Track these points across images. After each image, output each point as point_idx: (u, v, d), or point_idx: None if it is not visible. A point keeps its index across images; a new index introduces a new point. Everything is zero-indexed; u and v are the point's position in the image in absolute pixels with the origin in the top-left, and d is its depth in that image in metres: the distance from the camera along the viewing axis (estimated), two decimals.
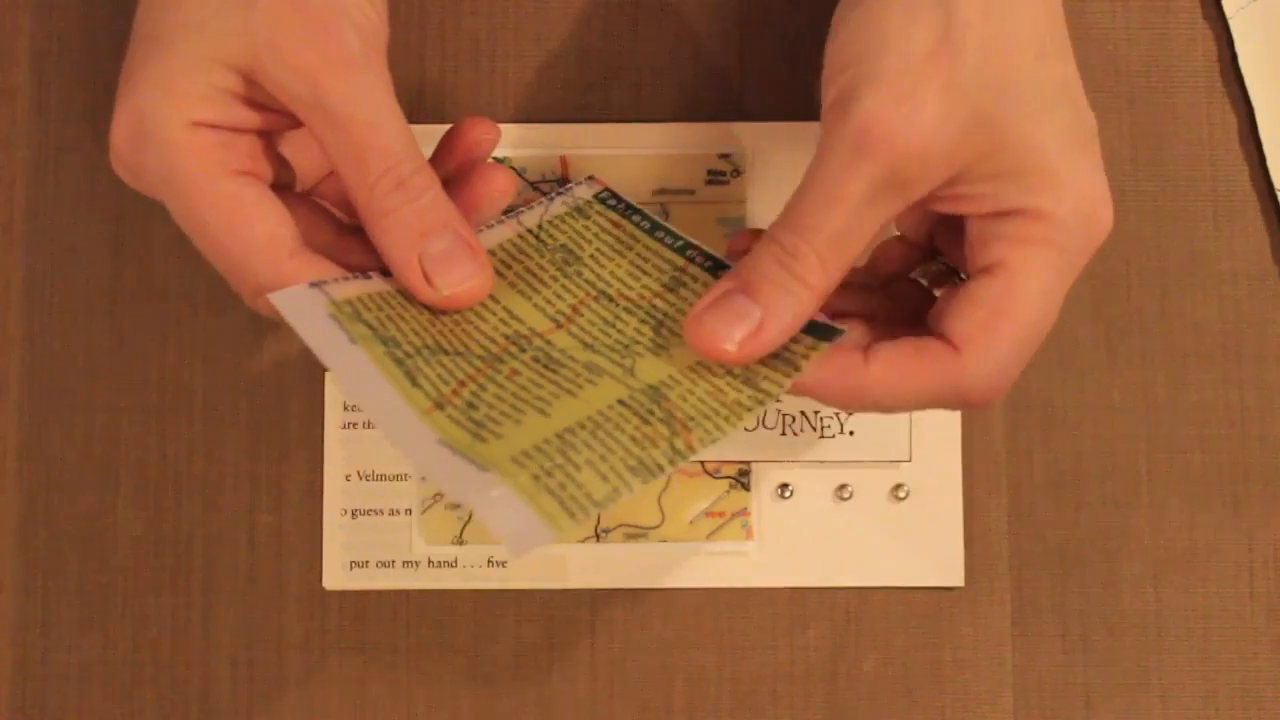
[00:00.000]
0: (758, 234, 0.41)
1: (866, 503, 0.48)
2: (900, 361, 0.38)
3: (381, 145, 0.38)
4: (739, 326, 0.38)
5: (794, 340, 0.39)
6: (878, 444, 0.47)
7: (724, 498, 0.48)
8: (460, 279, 0.39)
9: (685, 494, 0.47)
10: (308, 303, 0.38)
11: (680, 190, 0.48)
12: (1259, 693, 0.47)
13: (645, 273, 0.42)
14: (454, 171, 0.42)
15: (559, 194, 0.44)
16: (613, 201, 0.44)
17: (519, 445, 0.37)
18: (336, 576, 0.48)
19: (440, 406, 0.37)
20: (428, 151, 0.41)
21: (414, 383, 0.37)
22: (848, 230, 0.37)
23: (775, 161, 0.48)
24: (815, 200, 0.37)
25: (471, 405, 0.38)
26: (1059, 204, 0.37)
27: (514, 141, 0.48)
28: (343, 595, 0.48)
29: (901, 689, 0.47)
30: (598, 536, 0.47)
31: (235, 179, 0.38)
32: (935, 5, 0.37)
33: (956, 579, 0.47)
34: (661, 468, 0.37)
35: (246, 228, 0.38)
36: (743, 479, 0.48)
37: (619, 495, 0.36)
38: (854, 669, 0.48)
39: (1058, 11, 0.39)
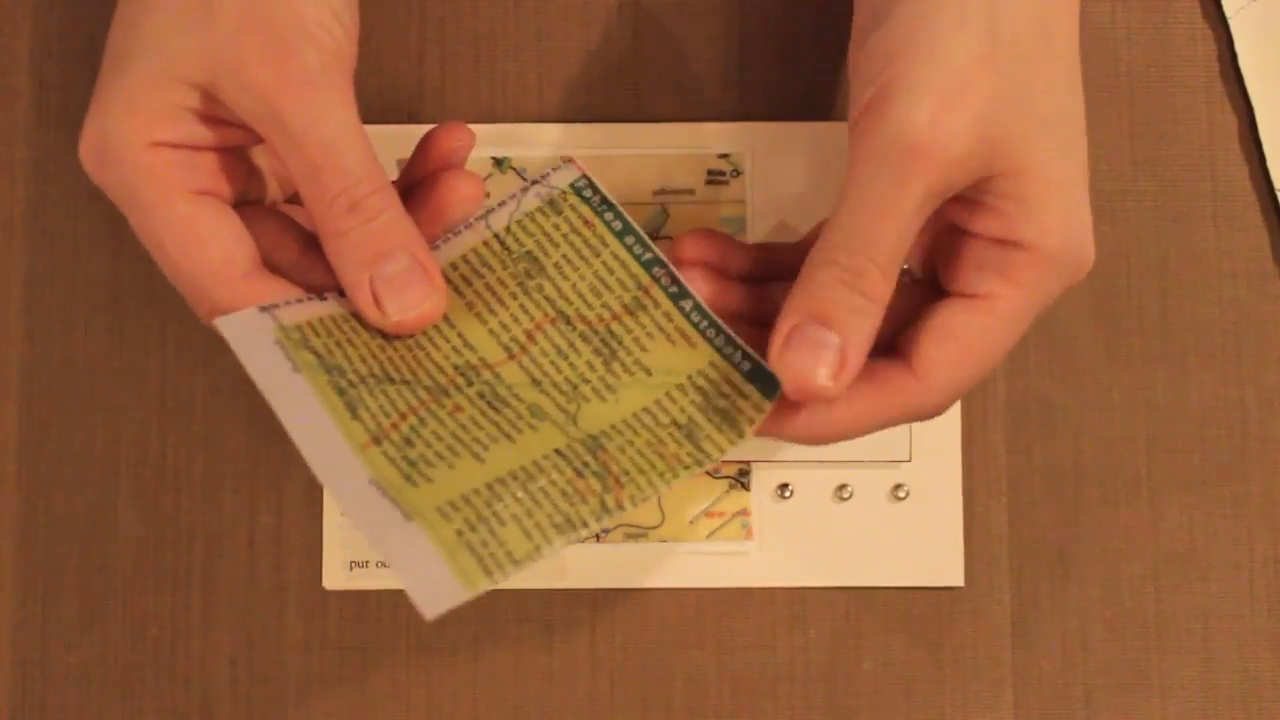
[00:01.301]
0: (706, 240, 0.42)
1: (866, 503, 0.48)
2: (862, 398, 0.38)
3: (337, 165, 0.37)
4: (824, 359, 0.37)
5: (740, 394, 0.39)
6: (878, 444, 0.47)
7: (724, 498, 0.48)
8: (411, 304, 0.39)
9: (685, 494, 0.47)
10: (254, 328, 0.38)
11: (680, 190, 0.48)
12: (1259, 693, 0.47)
13: (608, 288, 0.41)
14: (426, 178, 0.42)
15: (534, 184, 0.43)
16: (588, 193, 0.43)
17: (447, 493, 0.36)
18: (336, 576, 0.48)
19: (377, 442, 0.37)
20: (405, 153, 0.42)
21: (354, 414, 0.37)
22: (903, 240, 0.37)
23: (775, 161, 0.48)
24: (870, 215, 0.37)
25: (408, 442, 0.37)
26: (1062, 248, 0.38)
27: (514, 141, 0.48)
28: (343, 595, 0.48)
29: (901, 689, 0.47)
30: (597, 537, 0.47)
31: (192, 200, 0.38)
32: (981, 16, 0.36)
33: (956, 579, 0.47)
34: (587, 524, 0.37)
35: (201, 249, 0.38)
36: (742, 479, 0.48)
37: (540, 554, 0.36)
38: (854, 669, 0.48)
39: (1077, 44, 0.39)
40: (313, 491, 0.48)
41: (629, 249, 0.42)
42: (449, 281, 0.41)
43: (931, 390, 0.38)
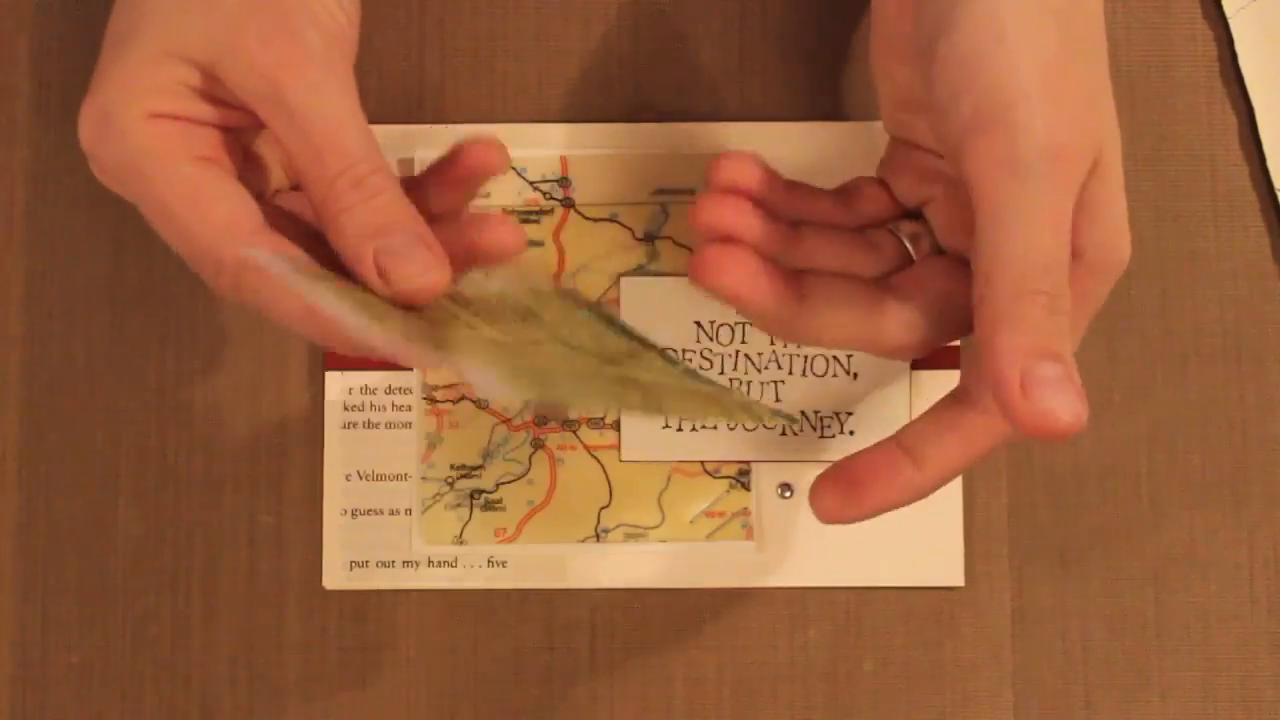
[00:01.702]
0: (747, 165, 0.40)
1: None
2: (950, 452, 0.38)
3: (340, 145, 0.37)
4: (1068, 394, 0.35)
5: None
6: None
7: (724, 497, 0.48)
8: (415, 272, 0.38)
9: (685, 494, 0.47)
10: (278, 260, 0.37)
11: (680, 190, 0.48)
12: (1259, 693, 0.47)
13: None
14: (450, 201, 0.41)
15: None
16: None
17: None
18: (336, 576, 0.48)
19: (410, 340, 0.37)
20: (431, 156, 0.42)
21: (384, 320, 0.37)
22: (1070, 247, 0.36)
23: (775, 162, 0.48)
24: (1044, 231, 0.35)
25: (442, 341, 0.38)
26: (1122, 257, 0.38)
27: (514, 141, 0.48)
28: (343, 595, 0.48)
29: (901, 689, 0.47)
30: (598, 536, 0.47)
31: (196, 163, 0.38)
32: (1049, 12, 0.36)
33: (956, 579, 0.47)
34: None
35: (210, 205, 0.38)
36: (743, 479, 0.48)
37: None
38: (854, 669, 0.48)
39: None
40: (313, 491, 0.48)
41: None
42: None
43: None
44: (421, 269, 0.38)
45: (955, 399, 0.39)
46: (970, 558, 0.48)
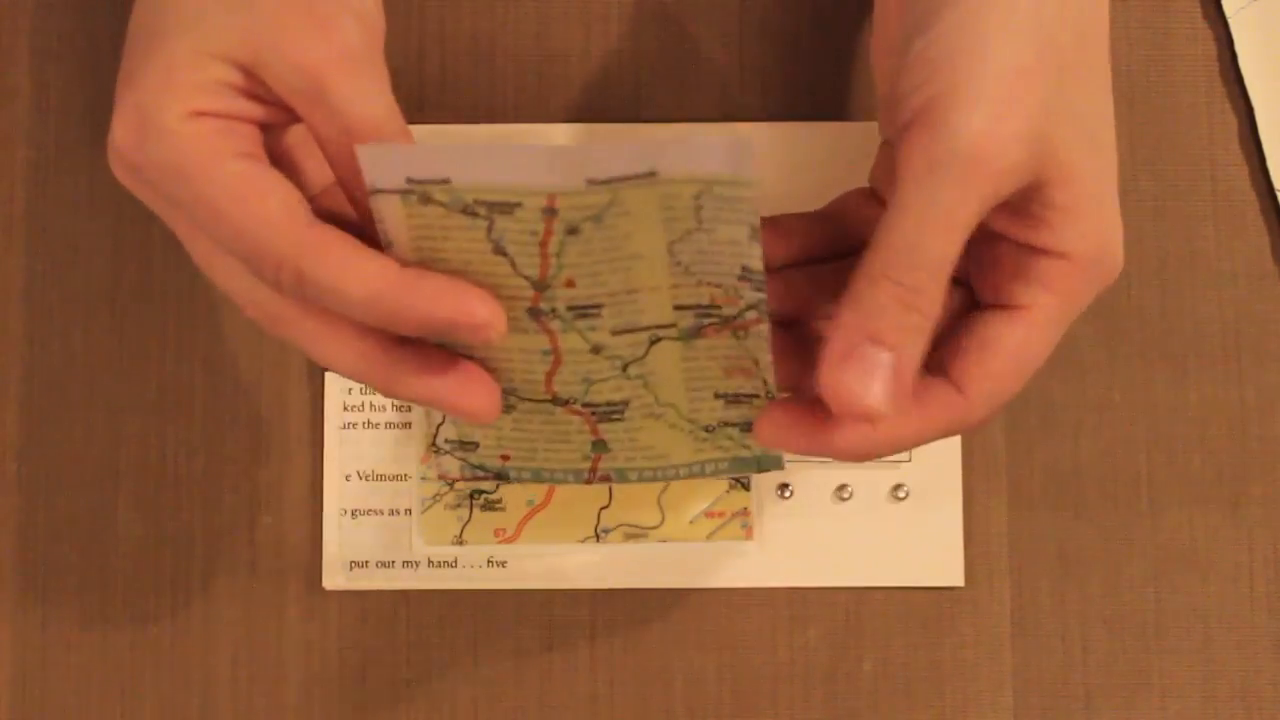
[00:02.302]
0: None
1: (866, 503, 0.48)
2: (906, 417, 0.38)
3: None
4: (879, 379, 0.36)
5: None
6: None
7: (724, 498, 0.48)
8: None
9: (685, 494, 0.47)
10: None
11: None
12: (1259, 693, 0.47)
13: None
14: None
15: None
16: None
17: None
18: (336, 576, 0.48)
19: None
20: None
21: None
22: (956, 252, 0.36)
23: (775, 161, 0.48)
24: (929, 228, 0.36)
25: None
26: (1099, 255, 0.38)
27: (514, 141, 0.48)
28: (343, 595, 0.48)
29: (901, 689, 0.47)
30: (597, 536, 0.47)
31: (241, 159, 0.37)
32: (1031, 22, 0.36)
33: (956, 579, 0.47)
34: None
35: (260, 201, 0.36)
36: (743, 479, 0.48)
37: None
38: (854, 669, 0.48)
39: (1107, 45, 0.39)
40: (313, 491, 0.48)
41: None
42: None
43: (976, 405, 0.38)
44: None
45: (929, 373, 0.39)
46: (970, 558, 0.48)
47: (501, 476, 0.43)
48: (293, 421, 0.48)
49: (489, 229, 0.37)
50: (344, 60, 0.37)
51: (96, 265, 0.49)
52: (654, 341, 0.39)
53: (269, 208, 0.36)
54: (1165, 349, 0.48)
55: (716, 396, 0.40)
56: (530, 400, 0.40)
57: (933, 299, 0.36)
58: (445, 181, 0.36)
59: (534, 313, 0.38)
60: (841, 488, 0.47)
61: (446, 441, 0.42)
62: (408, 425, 0.48)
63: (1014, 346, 0.38)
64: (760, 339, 0.39)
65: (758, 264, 0.38)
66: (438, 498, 0.48)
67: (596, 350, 0.39)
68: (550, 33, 0.49)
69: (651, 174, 0.37)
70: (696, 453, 0.41)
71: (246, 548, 0.48)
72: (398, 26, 0.49)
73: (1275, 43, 0.48)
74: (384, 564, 0.48)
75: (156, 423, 0.48)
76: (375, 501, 0.48)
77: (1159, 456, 0.48)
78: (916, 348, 0.36)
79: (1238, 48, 0.48)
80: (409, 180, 0.36)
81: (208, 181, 0.37)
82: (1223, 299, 0.48)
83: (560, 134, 0.48)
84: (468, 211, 0.37)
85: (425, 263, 0.37)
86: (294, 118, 0.39)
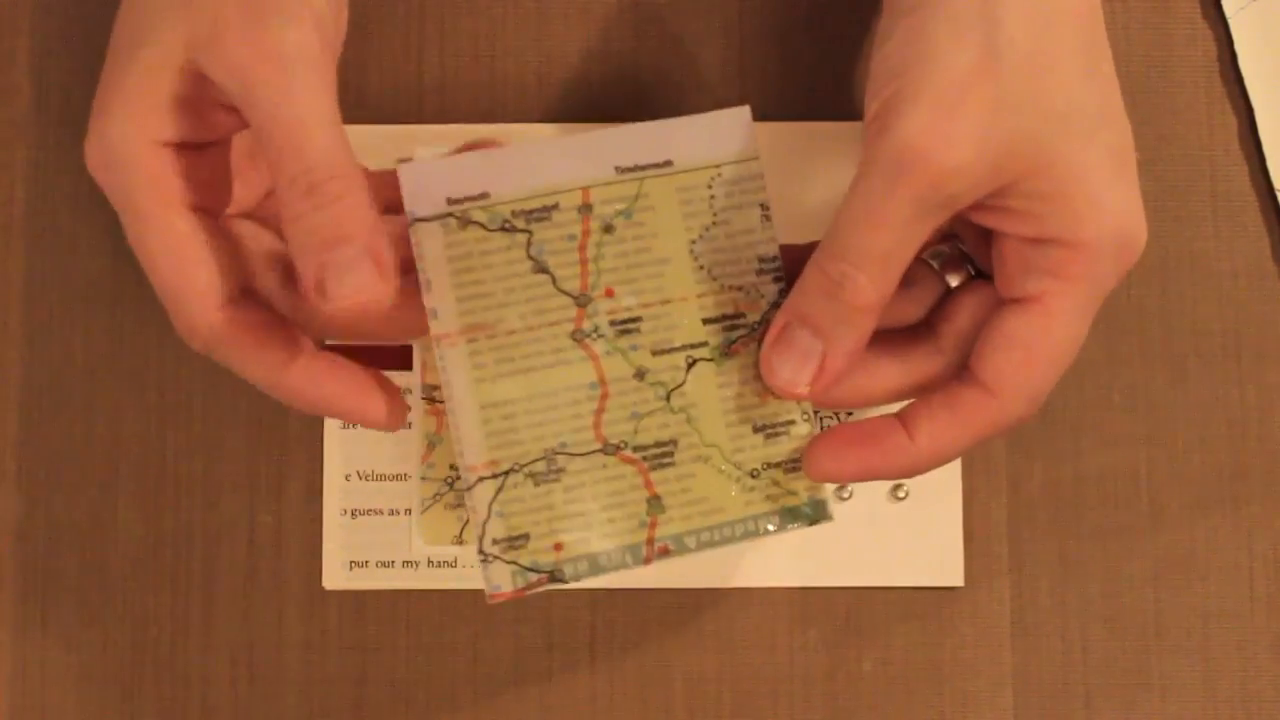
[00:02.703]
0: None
1: (866, 503, 0.48)
2: (943, 427, 0.39)
3: (297, 147, 0.36)
4: (806, 366, 0.39)
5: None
6: None
7: None
8: (350, 290, 0.36)
9: None
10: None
11: None
12: (1259, 693, 0.47)
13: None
14: None
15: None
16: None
17: None
18: (336, 576, 0.48)
19: None
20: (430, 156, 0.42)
21: None
22: (893, 250, 0.37)
23: (775, 162, 0.48)
24: (859, 223, 0.37)
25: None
26: (1100, 235, 0.37)
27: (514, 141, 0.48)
28: (343, 595, 0.48)
29: (901, 689, 0.47)
30: None
31: (188, 216, 0.38)
32: (979, 20, 0.37)
33: (956, 579, 0.47)
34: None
35: (192, 269, 0.38)
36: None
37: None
38: (854, 669, 0.48)
39: (1099, 25, 0.39)
40: (313, 491, 0.48)
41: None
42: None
43: (1009, 402, 0.39)
44: (361, 284, 0.36)
45: (959, 379, 0.40)
46: (970, 558, 0.48)
47: (558, 578, 0.40)
48: (293, 421, 0.48)
49: (528, 244, 0.39)
50: (272, 60, 0.37)
51: (96, 265, 0.49)
52: (690, 365, 0.40)
53: (196, 279, 0.38)
54: (1165, 349, 0.48)
55: (755, 430, 0.41)
56: (581, 455, 0.40)
57: (861, 291, 0.37)
58: (484, 196, 0.39)
59: (578, 335, 0.40)
60: (841, 488, 0.47)
61: (494, 543, 0.40)
62: (408, 425, 0.48)
63: (1032, 337, 0.38)
64: None
65: (773, 248, 0.40)
66: (438, 498, 0.48)
67: (640, 376, 0.40)
68: (550, 33, 0.49)
69: (668, 163, 0.40)
70: (746, 505, 0.41)
71: (246, 548, 0.48)
72: (398, 26, 0.49)
73: (1275, 43, 0.48)
74: (384, 564, 0.48)
75: (156, 423, 0.48)
76: (375, 501, 0.48)
77: (1159, 456, 0.48)
78: (845, 338, 0.38)
79: (1238, 48, 0.48)
80: (449, 200, 0.39)
81: (151, 230, 0.38)
82: (1223, 299, 0.48)
83: (561, 134, 0.48)
84: (506, 228, 0.39)
85: (466, 299, 0.39)
86: (245, 123, 0.39)
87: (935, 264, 0.41)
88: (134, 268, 0.49)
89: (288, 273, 0.40)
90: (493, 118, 0.49)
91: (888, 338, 0.40)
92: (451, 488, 0.47)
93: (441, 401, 0.48)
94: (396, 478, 0.48)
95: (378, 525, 0.48)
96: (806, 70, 0.49)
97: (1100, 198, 0.38)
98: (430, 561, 0.47)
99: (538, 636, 0.48)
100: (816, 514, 0.41)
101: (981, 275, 0.41)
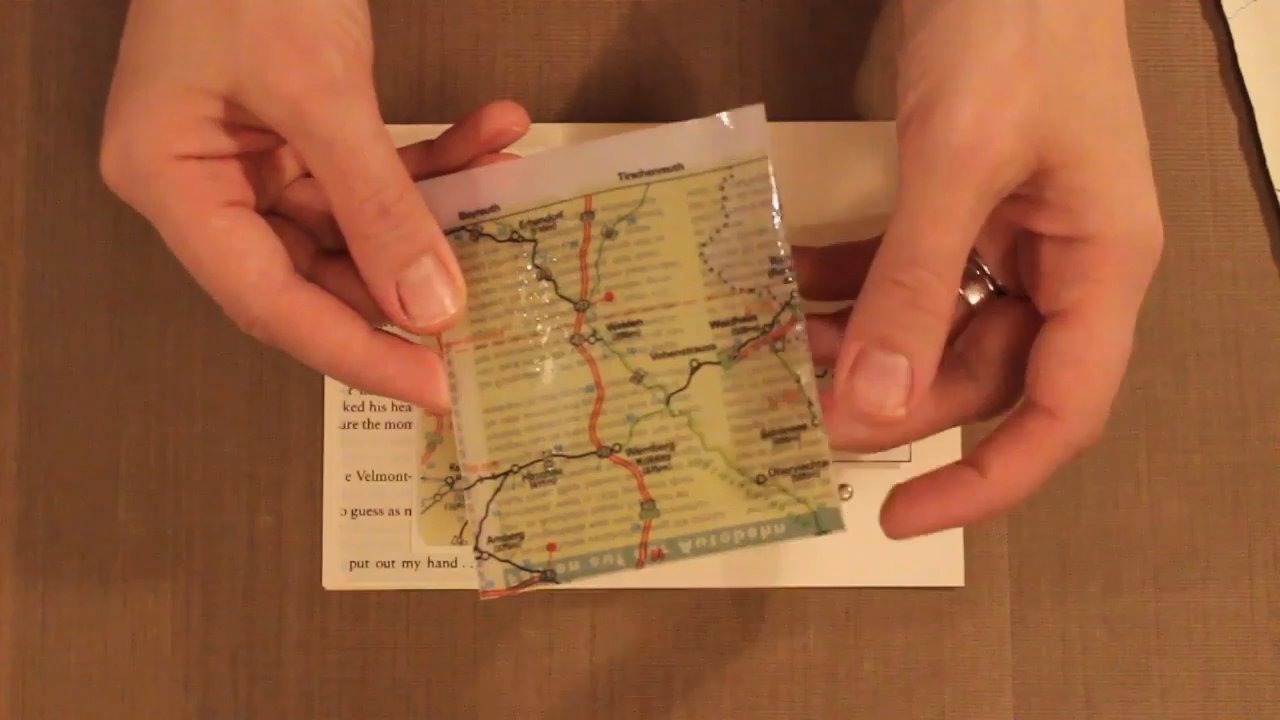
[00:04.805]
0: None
1: (866, 503, 0.47)
2: (1015, 459, 0.38)
3: (365, 170, 0.37)
4: (896, 386, 0.37)
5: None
6: None
7: None
8: (435, 311, 0.39)
9: None
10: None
11: None
12: (1259, 692, 0.47)
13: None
14: (468, 160, 0.42)
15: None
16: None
17: None
18: (336, 576, 0.48)
19: None
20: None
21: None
22: (962, 247, 0.36)
23: (775, 162, 0.48)
24: (926, 226, 0.36)
25: None
26: (1131, 232, 0.37)
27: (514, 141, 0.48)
28: (342, 595, 0.48)
29: (901, 689, 0.47)
30: None
31: (224, 212, 0.38)
32: (1020, 10, 0.36)
33: (956, 579, 0.47)
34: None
35: (239, 263, 0.38)
36: None
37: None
38: (854, 669, 0.48)
39: (1124, 27, 0.39)
40: (313, 491, 0.48)
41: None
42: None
43: (1074, 421, 0.38)
44: (441, 307, 0.39)
45: (1019, 410, 0.39)
46: (970, 558, 0.48)
47: (549, 578, 0.40)
48: (293, 421, 0.48)
49: (533, 252, 0.40)
50: (324, 90, 0.37)
51: (96, 265, 0.49)
52: (695, 368, 0.40)
53: (246, 271, 0.38)
54: (1165, 349, 0.48)
55: (764, 436, 0.40)
56: (576, 457, 0.40)
57: (939, 296, 0.36)
58: (494, 209, 0.41)
59: (576, 339, 0.40)
60: (842, 487, 0.47)
61: (490, 541, 0.40)
62: (408, 425, 0.48)
63: (1080, 350, 0.37)
64: (799, 344, 0.40)
65: (785, 249, 0.40)
66: (438, 498, 0.48)
67: (638, 379, 0.40)
68: (550, 33, 0.49)
69: (679, 167, 0.40)
70: (750, 512, 0.40)
71: (246, 548, 0.48)
72: (398, 26, 0.49)
73: (1275, 43, 0.48)
74: (384, 564, 0.48)
75: (156, 423, 0.48)
76: (375, 501, 0.48)
77: (1159, 456, 0.48)
78: (930, 348, 0.37)
79: (1238, 48, 0.48)
80: (461, 215, 0.41)
81: (191, 235, 0.38)
82: (1223, 299, 0.48)
83: (560, 134, 0.48)
84: (514, 238, 0.41)
85: (476, 308, 0.41)
86: (280, 141, 0.39)
87: None
88: (134, 268, 0.49)
89: (316, 252, 0.41)
90: None
91: None
92: (451, 488, 0.48)
93: None
94: (396, 478, 0.48)
95: (378, 525, 0.48)
96: (806, 70, 0.49)
97: (1130, 196, 0.37)
98: (430, 561, 0.47)
99: (538, 636, 0.48)
100: (827, 523, 0.40)
101: (1000, 292, 0.41)
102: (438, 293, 0.39)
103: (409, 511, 0.48)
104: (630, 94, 0.49)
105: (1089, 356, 0.38)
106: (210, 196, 0.38)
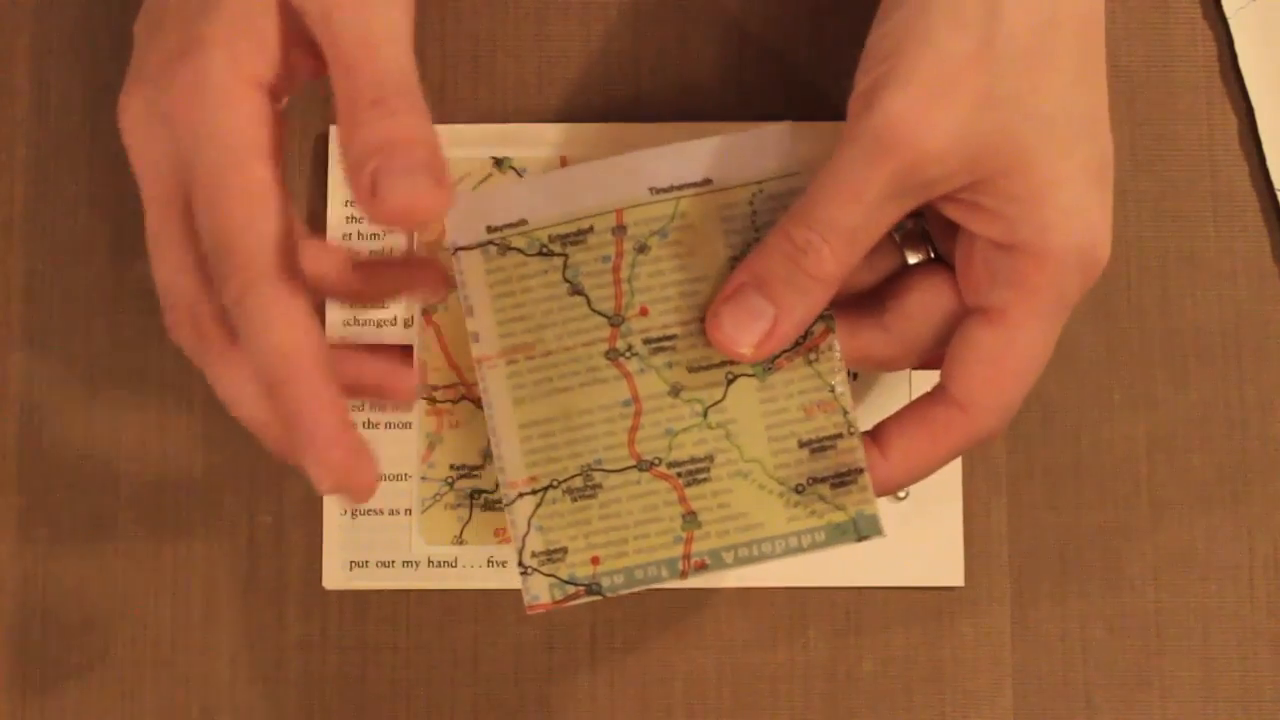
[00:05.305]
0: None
1: None
2: (915, 444, 0.39)
3: (372, 63, 0.36)
4: (753, 328, 0.39)
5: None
6: None
7: None
8: (407, 190, 0.35)
9: None
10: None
11: None
12: (1259, 693, 0.47)
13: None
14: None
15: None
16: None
17: None
18: (336, 576, 0.48)
19: None
20: None
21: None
22: (861, 226, 0.37)
23: (776, 162, 0.48)
24: (832, 194, 0.37)
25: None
26: (1065, 247, 0.38)
27: (514, 141, 0.48)
28: (343, 595, 0.48)
29: (901, 689, 0.47)
30: None
31: (269, 164, 0.36)
32: (982, 10, 0.37)
33: (956, 579, 0.47)
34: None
35: (265, 218, 0.36)
36: None
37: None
38: (854, 669, 0.48)
39: (1099, 33, 0.39)
40: (313, 491, 0.48)
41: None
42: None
43: (980, 417, 0.39)
44: (418, 187, 0.35)
45: (930, 394, 0.40)
46: (970, 558, 0.48)
47: (595, 591, 0.41)
48: None
49: (564, 267, 0.41)
50: None
51: (96, 265, 0.49)
52: (730, 381, 0.41)
53: (268, 228, 0.36)
54: (1165, 349, 0.48)
55: (800, 445, 0.41)
56: (616, 471, 0.41)
57: (824, 263, 0.38)
58: (522, 223, 0.41)
59: (611, 354, 0.41)
60: None
61: (534, 556, 0.41)
62: (408, 425, 0.48)
63: (998, 352, 0.39)
64: (832, 355, 0.40)
65: None
66: (438, 498, 0.48)
67: (675, 392, 0.41)
68: (550, 33, 0.49)
69: (708, 182, 0.41)
70: (790, 521, 0.41)
71: (246, 548, 0.48)
72: None
73: (1275, 43, 0.48)
74: (384, 564, 0.48)
75: (156, 423, 0.48)
76: (375, 501, 0.48)
77: (1159, 456, 0.48)
78: (800, 308, 0.38)
79: (1238, 48, 0.48)
80: (489, 229, 0.41)
81: (236, 171, 0.36)
82: (1223, 299, 0.48)
83: (560, 134, 0.48)
84: (544, 253, 0.41)
85: (506, 323, 0.41)
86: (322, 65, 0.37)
87: (896, 236, 0.41)
88: (134, 268, 0.49)
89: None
90: (493, 118, 0.49)
91: (837, 304, 0.40)
92: (451, 488, 0.48)
93: (442, 402, 0.48)
94: (396, 478, 0.48)
95: (378, 525, 0.48)
96: (806, 70, 0.49)
97: (1071, 209, 0.38)
98: (430, 561, 0.47)
99: (538, 636, 0.48)
100: (866, 529, 0.41)
101: (940, 259, 0.41)
102: (418, 175, 0.35)
103: (409, 511, 0.48)
104: (630, 94, 0.49)
105: (1006, 361, 0.39)
106: (264, 142, 0.36)
